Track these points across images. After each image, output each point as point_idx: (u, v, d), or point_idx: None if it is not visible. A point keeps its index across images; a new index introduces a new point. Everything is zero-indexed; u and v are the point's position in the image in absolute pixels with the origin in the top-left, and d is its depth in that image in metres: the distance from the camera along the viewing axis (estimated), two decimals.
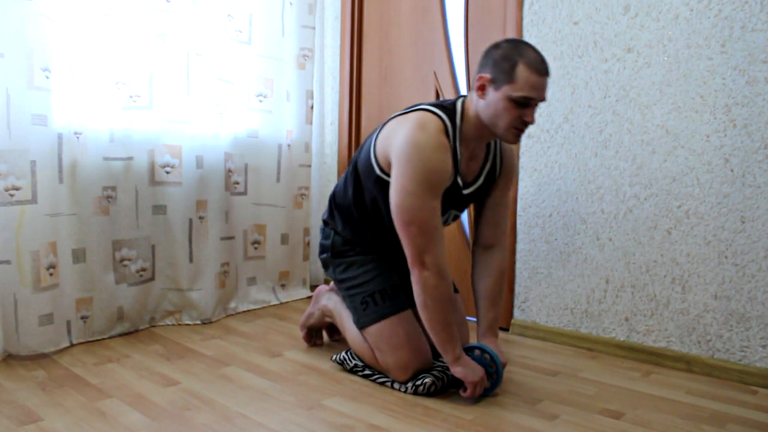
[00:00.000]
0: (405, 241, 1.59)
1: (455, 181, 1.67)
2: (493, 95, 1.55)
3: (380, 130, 1.70)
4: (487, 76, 1.55)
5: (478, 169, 1.73)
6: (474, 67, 2.42)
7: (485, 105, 1.57)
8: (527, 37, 2.20)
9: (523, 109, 1.53)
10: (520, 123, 1.55)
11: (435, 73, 2.57)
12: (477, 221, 1.84)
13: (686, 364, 1.91)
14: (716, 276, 1.86)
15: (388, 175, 1.64)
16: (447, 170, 1.59)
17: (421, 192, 1.54)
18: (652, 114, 1.95)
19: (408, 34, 2.67)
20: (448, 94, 2.52)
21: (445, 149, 1.58)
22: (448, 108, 1.64)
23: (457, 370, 1.60)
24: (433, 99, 2.58)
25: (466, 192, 1.72)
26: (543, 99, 1.55)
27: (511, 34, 2.24)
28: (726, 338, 1.85)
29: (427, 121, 1.59)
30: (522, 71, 1.50)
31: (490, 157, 1.75)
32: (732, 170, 1.81)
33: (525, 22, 2.21)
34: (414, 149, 1.54)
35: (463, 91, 2.50)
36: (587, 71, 2.08)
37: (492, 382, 1.65)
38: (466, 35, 2.45)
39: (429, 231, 1.56)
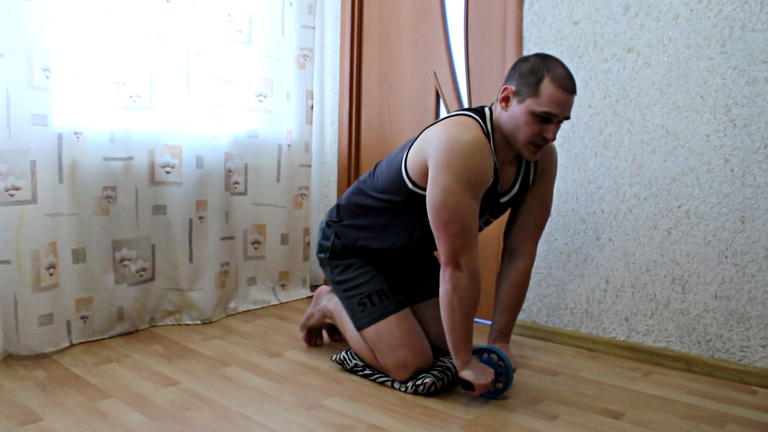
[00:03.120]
0: (442, 241, 1.55)
1: (495, 186, 1.63)
2: (516, 108, 1.53)
3: (410, 147, 1.66)
4: (512, 87, 1.54)
5: (513, 177, 1.70)
6: (474, 67, 2.43)
7: (508, 117, 1.56)
8: (527, 37, 2.21)
9: (545, 124, 1.52)
10: (540, 138, 1.53)
11: (435, 73, 2.57)
12: (506, 225, 1.81)
13: (686, 364, 1.91)
14: (716, 276, 1.86)
15: (424, 189, 1.61)
16: (489, 170, 1.55)
17: (463, 191, 1.51)
18: (652, 114, 1.95)
19: (408, 34, 2.67)
20: (448, 94, 2.52)
21: (486, 147, 1.54)
22: (480, 113, 1.62)
23: (466, 374, 1.58)
24: (432, 99, 2.58)
25: (503, 200, 1.71)
26: (567, 117, 1.52)
27: (511, 34, 2.24)
28: (726, 338, 1.85)
29: (465, 121, 1.57)
30: (547, 86, 1.48)
31: (524, 165, 1.71)
32: (732, 170, 1.81)
33: (525, 22, 2.21)
34: (455, 147, 1.51)
35: (464, 91, 2.49)
36: (587, 71, 2.08)
37: (503, 381, 1.64)
38: (466, 35, 2.45)
39: (467, 232, 1.53)
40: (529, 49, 2.20)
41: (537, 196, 1.75)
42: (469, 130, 1.53)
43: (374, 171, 1.79)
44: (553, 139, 1.53)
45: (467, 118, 1.58)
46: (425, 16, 2.60)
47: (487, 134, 1.57)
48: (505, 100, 1.56)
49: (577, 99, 2.10)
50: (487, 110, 1.63)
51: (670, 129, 1.92)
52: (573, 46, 2.10)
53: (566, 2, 2.11)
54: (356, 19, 2.84)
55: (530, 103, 1.50)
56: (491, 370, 1.60)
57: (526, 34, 2.21)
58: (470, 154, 1.50)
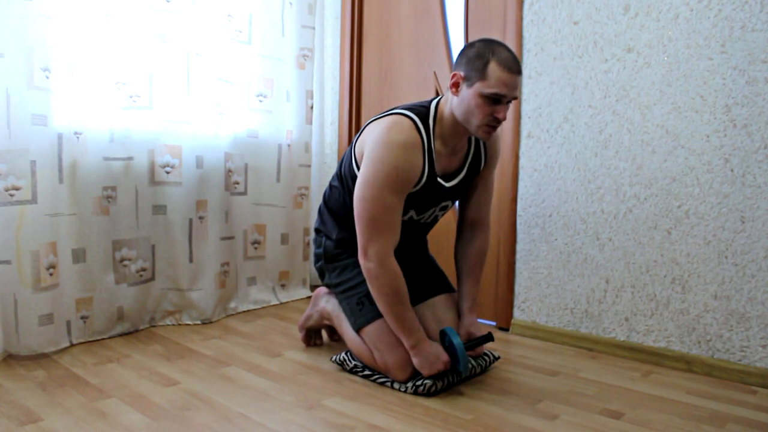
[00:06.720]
0: (357, 231, 1.66)
1: (432, 179, 1.70)
2: (466, 92, 1.60)
3: (358, 137, 1.75)
4: (461, 73, 1.61)
5: (460, 162, 1.78)
6: None
7: (459, 102, 1.63)
8: (527, 37, 2.21)
9: (495, 105, 1.58)
10: (493, 120, 1.60)
11: (435, 73, 2.57)
12: (462, 202, 1.89)
13: (686, 364, 1.91)
14: (716, 276, 1.86)
15: None
16: (414, 169, 1.63)
17: (380, 186, 1.60)
18: (652, 114, 1.95)
19: (408, 35, 2.67)
20: None
21: (415, 148, 1.63)
22: (421, 110, 1.69)
23: (414, 360, 1.65)
24: None
25: (449, 185, 1.77)
26: (514, 97, 1.60)
27: (511, 34, 2.24)
28: (726, 338, 1.85)
29: (398, 122, 1.65)
30: (493, 69, 1.55)
31: (473, 149, 1.79)
32: (732, 170, 1.81)
33: (525, 22, 2.21)
34: (382, 147, 1.61)
35: None
36: (587, 71, 2.08)
37: (457, 364, 1.67)
38: (466, 35, 2.45)
39: (378, 224, 1.62)
40: (529, 49, 2.21)
41: (490, 175, 1.87)
42: (401, 131, 1.62)
43: (339, 165, 1.88)
44: (504, 118, 1.60)
45: (403, 118, 1.66)
46: (425, 16, 2.60)
47: (421, 134, 1.65)
48: (455, 85, 1.63)
49: (576, 99, 2.10)
50: (432, 104, 1.71)
51: (670, 129, 1.92)
52: (573, 46, 2.10)
53: (566, 2, 2.11)
54: (356, 19, 2.84)
55: (479, 87, 1.57)
56: (442, 358, 1.66)
57: (526, 34, 2.21)
58: (393, 153, 1.59)
